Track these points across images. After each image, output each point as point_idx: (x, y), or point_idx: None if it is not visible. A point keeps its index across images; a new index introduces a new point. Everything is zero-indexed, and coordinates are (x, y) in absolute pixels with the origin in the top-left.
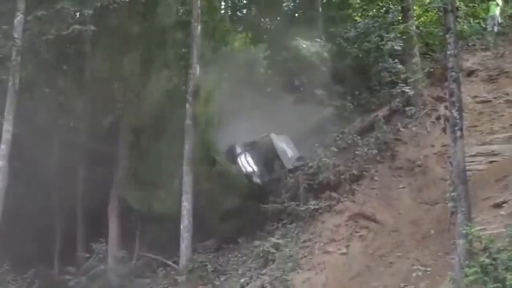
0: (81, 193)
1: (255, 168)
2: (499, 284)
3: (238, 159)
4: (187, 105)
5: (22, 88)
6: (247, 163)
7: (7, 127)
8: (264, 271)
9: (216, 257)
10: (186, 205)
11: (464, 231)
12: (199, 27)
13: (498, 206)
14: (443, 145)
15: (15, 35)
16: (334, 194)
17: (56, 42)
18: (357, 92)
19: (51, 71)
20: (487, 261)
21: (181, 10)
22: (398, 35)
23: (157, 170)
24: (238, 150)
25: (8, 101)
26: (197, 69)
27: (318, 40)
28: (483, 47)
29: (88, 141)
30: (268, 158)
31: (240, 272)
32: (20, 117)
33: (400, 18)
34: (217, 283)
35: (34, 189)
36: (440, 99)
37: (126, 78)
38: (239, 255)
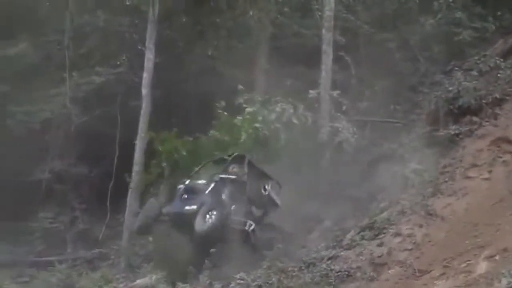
0: None
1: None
2: None
3: None
4: (323, 31)
5: (161, 18)
6: None
7: (149, 55)
8: (403, 196)
9: None
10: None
11: None
12: None
13: None
14: None
15: None
16: (475, 119)
17: None
18: (499, 13)
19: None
20: None
21: None
22: None
23: None
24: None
25: (149, 30)
26: None
27: None
28: None
29: (225, 69)
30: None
31: (379, 197)
32: (160, 46)
33: None
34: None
35: (175, 116)
36: None
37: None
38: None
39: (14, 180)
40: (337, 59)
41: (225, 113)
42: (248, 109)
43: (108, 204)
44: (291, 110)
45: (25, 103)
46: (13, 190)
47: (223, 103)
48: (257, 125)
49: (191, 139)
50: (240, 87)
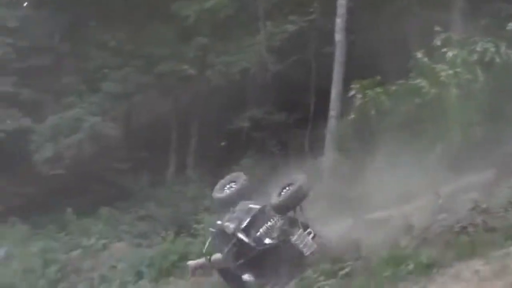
0: None
1: None
2: None
3: None
4: None
5: None
6: None
7: (341, 0)
8: None
9: None
10: None
11: None
12: None
13: None
14: None
15: None
16: None
17: None
18: None
19: None
20: None
21: None
22: None
23: None
24: None
25: None
26: None
27: None
28: None
29: (420, 9)
30: None
31: None
32: None
33: None
34: None
35: (371, 61)
36: None
37: None
38: None
39: (216, 129)
40: None
41: (424, 57)
42: (448, 54)
43: (306, 149)
44: (493, 49)
45: (222, 54)
46: (215, 139)
47: (420, 46)
48: (458, 70)
49: (393, 87)
50: (436, 28)
